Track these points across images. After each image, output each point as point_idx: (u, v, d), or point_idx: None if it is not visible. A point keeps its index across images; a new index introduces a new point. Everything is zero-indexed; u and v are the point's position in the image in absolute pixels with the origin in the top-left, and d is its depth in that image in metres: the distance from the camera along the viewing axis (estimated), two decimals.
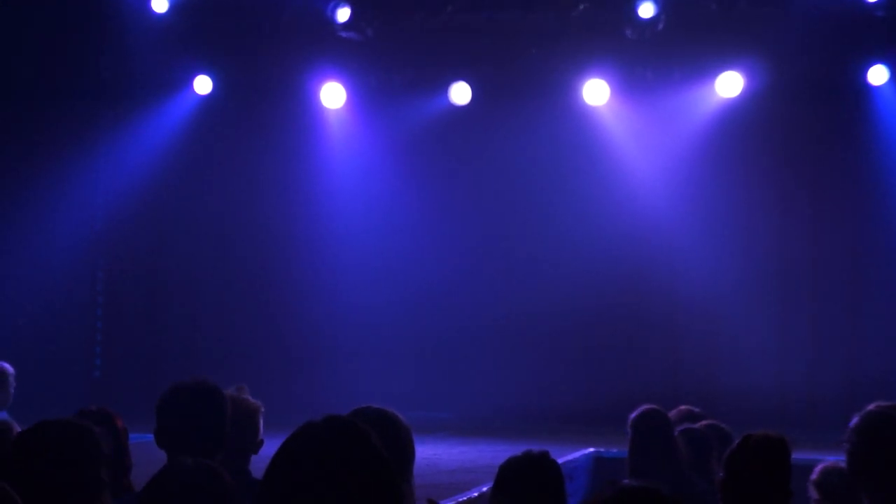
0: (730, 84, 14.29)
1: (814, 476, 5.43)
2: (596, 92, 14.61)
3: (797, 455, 5.04)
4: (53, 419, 3.84)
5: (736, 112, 14.50)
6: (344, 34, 14.49)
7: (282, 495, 2.63)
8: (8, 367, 8.64)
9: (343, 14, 14.11)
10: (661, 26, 13.73)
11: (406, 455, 4.24)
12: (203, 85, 15.19)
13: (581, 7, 14.05)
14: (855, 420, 5.11)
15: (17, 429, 5.17)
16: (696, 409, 7.37)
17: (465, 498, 8.37)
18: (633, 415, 6.56)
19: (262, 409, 5.11)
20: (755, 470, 4.76)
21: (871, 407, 5.22)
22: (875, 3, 13.32)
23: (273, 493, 2.64)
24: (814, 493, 5.36)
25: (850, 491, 5.13)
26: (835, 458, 6.01)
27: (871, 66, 14.02)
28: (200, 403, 4.50)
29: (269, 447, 2.88)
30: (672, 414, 7.04)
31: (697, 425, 6.92)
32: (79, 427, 3.85)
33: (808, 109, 14.46)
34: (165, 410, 4.53)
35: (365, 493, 2.62)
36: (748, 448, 4.80)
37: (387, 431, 4.21)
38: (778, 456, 4.81)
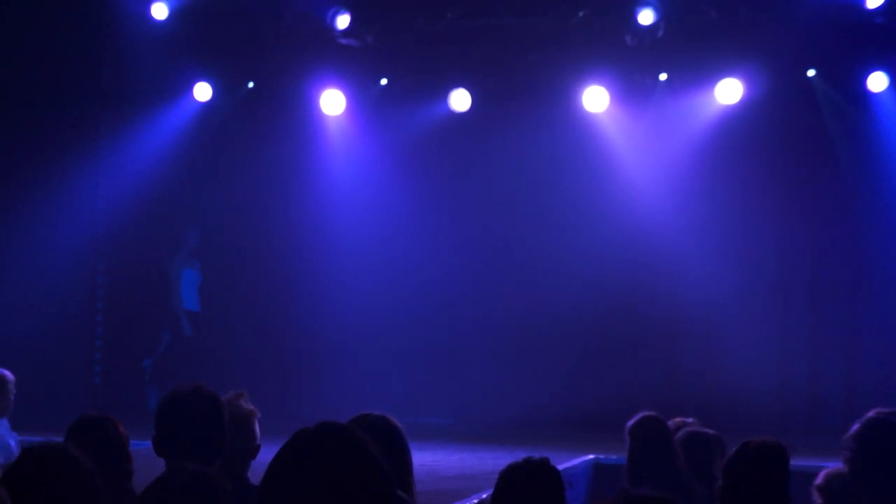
0: (729, 91, 14.29)
1: (818, 481, 5.43)
2: (596, 98, 14.60)
3: (797, 461, 5.05)
4: (37, 448, 3.74)
5: (735, 119, 14.50)
6: (344, 41, 14.49)
7: (278, 501, 2.64)
8: (8, 373, 8.64)
9: (343, 21, 14.10)
10: (660, 33, 13.73)
11: (405, 461, 4.24)
12: (203, 91, 15.20)
13: (581, 14, 14.05)
14: (855, 427, 5.11)
15: None
16: (689, 420, 7.35)
17: None
18: (631, 422, 6.56)
19: (258, 414, 5.10)
20: (754, 476, 4.76)
21: (871, 413, 5.22)
22: (874, 9, 13.31)
23: (270, 500, 2.65)
24: (817, 498, 5.36)
25: (853, 496, 5.12)
26: (836, 465, 6.01)
27: (870, 72, 14.02)
28: (198, 410, 4.50)
29: (269, 453, 2.88)
30: None
31: (699, 430, 6.92)
32: (62, 452, 3.76)
33: (807, 116, 14.46)
34: (163, 417, 4.53)
35: (359, 498, 2.61)
36: (747, 455, 4.81)
37: (386, 438, 4.22)
38: (776, 462, 4.81)
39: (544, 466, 4.69)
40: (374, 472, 2.65)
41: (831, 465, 5.93)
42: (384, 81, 15.20)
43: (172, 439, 4.47)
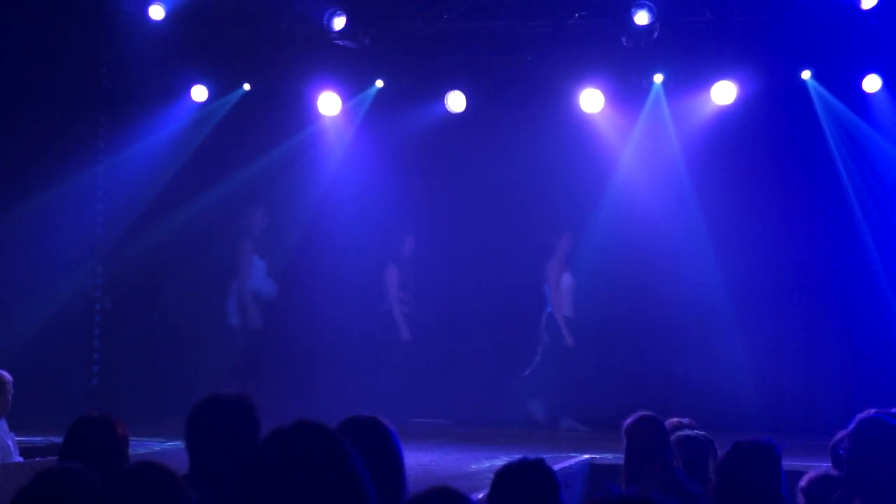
0: (724, 92, 14.31)
1: (802, 483, 5.47)
2: (592, 99, 14.62)
3: (793, 461, 5.09)
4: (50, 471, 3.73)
5: (731, 120, 14.52)
6: (340, 42, 14.51)
7: (251, 499, 2.66)
8: (6, 374, 8.66)
9: (339, 22, 14.11)
10: (656, 34, 13.75)
11: (395, 463, 4.26)
12: (200, 93, 15.21)
13: (577, 15, 14.07)
14: (850, 426, 5.16)
15: None
16: (685, 420, 7.39)
17: None
18: (628, 421, 6.58)
19: None
20: (746, 475, 4.80)
21: (865, 413, 5.27)
22: (868, 11, 13.34)
23: (245, 498, 2.68)
24: (801, 500, 5.40)
25: (837, 497, 5.16)
26: (827, 465, 6.05)
27: (865, 74, 14.04)
28: (236, 415, 4.49)
29: None
30: None
31: (692, 433, 6.95)
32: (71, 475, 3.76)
33: (802, 117, 14.48)
34: (200, 421, 4.50)
35: (332, 498, 2.64)
36: (739, 454, 4.85)
37: (375, 440, 4.23)
38: (768, 461, 4.85)
39: (539, 466, 4.71)
40: (348, 473, 2.67)
41: (825, 466, 5.98)
42: (380, 83, 15.23)
43: (208, 443, 4.43)
